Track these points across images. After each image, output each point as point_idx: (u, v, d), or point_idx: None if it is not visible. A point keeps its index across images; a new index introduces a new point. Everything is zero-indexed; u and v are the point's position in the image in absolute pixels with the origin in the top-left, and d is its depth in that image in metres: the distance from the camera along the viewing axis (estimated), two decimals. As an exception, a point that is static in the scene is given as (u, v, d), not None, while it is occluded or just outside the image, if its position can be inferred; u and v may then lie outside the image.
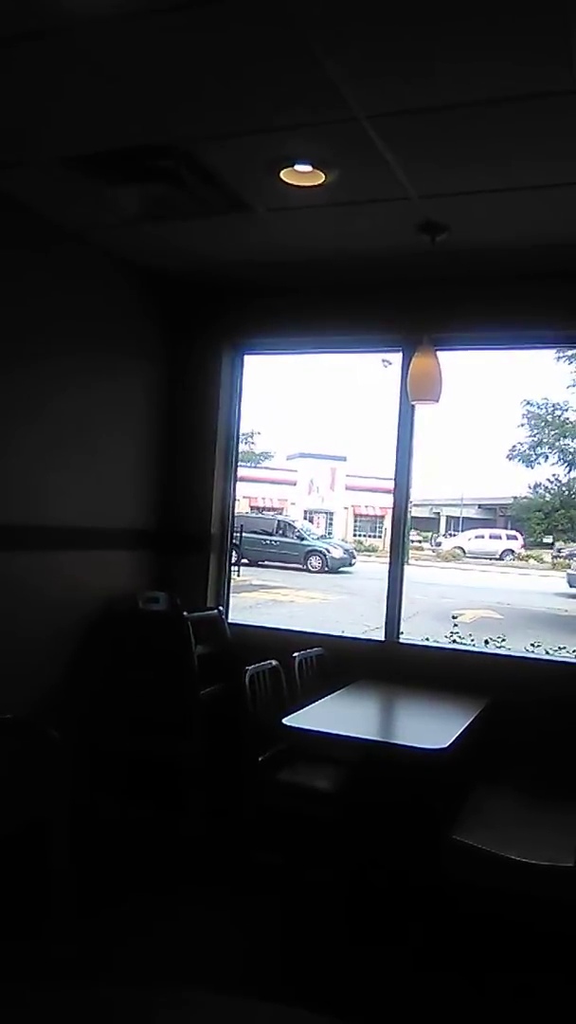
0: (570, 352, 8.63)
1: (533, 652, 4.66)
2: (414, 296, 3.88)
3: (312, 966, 2.77)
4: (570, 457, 10.00)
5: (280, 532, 11.42)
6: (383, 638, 4.11)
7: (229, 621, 4.36)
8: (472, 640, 4.95)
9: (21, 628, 3.47)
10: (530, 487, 10.61)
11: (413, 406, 3.99)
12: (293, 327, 4.27)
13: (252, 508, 11.87)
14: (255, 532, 10.80)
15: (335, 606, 9.62)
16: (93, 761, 3.79)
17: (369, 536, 12.29)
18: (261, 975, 2.72)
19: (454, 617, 5.78)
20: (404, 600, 4.13)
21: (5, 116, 2.63)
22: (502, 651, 4.67)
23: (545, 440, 9.93)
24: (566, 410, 9.79)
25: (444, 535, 12.43)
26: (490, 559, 11.65)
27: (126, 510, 4.23)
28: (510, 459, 10.00)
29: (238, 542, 5.19)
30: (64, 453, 3.73)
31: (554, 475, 10.26)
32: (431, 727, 3.21)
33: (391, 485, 4.16)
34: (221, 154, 2.81)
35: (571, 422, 9.82)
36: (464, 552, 11.89)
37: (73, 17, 2.08)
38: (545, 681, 3.67)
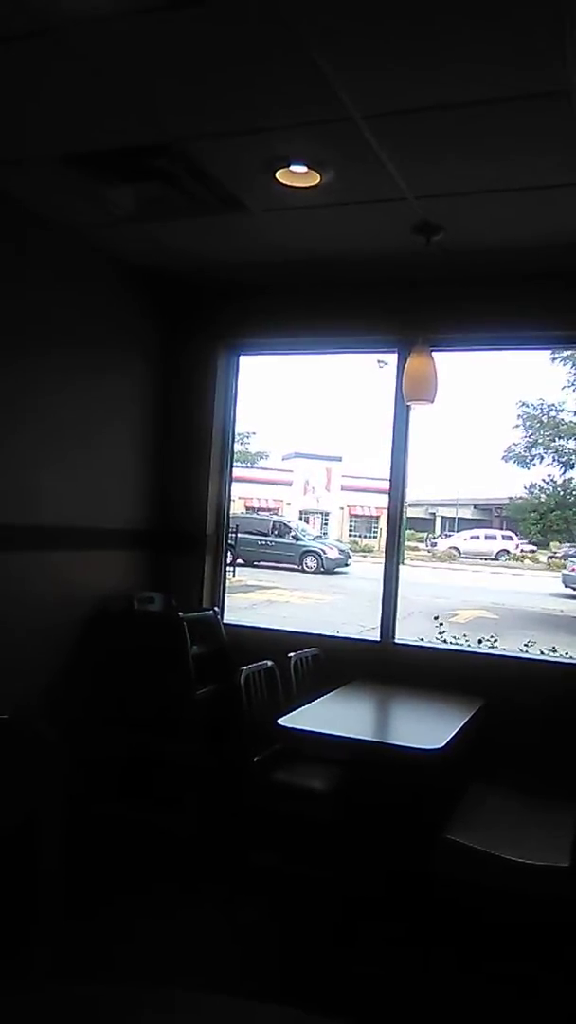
0: (565, 353, 8.63)
1: (527, 652, 4.67)
2: (409, 297, 3.88)
3: (308, 966, 2.77)
4: (565, 458, 10.01)
5: (276, 532, 11.40)
6: (378, 638, 4.11)
7: (225, 621, 4.36)
8: (467, 640, 4.96)
9: (15, 628, 3.45)
10: (525, 488, 10.62)
11: (408, 407, 4.00)
12: (289, 328, 4.27)
13: (247, 508, 11.85)
14: (250, 532, 10.77)
15: (331, 606, 9.61)
16: (89, 761, 3.78)
17: (365, 536, 12.28)
18: (258, 975, 2.72)
19: (436, 618, 5.79)
20: (399, 600, 4.13)
21: (1, 114, 2.62)
22: (497, 651, 4.67)
23: (540, 441, 9.94)
24: (561, 411, 9.80)
25: (439, 535, 12.43)
26: (485, 559, 11.66)
27: (121, 510, 4.22)
28: (505, 460, 10.00)
29: (233, 542, 5.18)
30: (59, 452, 3.73)
31: (549, 476, 10.26)
32: (426, 727, 3.22)
33: (387, 485, 4.16)
34: (216, 154, 2.81)
35: (566, 423, 9.83)
36: (459, 552, 11.89)
37: (70, 17, 2.08)
38: (540, 681, 3.68)
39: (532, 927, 2.77)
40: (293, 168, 2.83)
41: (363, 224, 3.36)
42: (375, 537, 11.86)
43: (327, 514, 12.52)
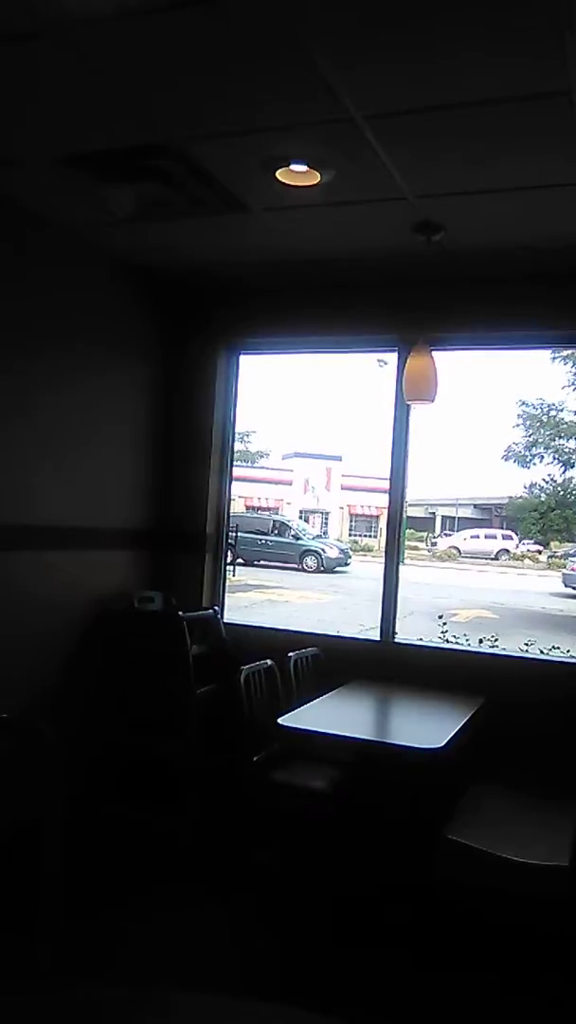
0: (565, 352, 8.63)
1: (527, 652, 4.67)
2: (410, 296, 3.88)
3: (309, 966, 2.77)
4: (565, 457, 10.01)
5: (276, 532, 11.40)
6: (378, 638, 4.11)
7: (225, 621, 4.36)
8: (467, 640, 4.96)
9: (15, 629, 3.46)
10: (525, 487, 10.62)
11: (409, 406, 4.00)
12: (289, 327, 4.27)
13: (248, 508, 11.84)
14: (251, 532, 10.77)
15: (331, 606, 9.61)
16: (89, 761, 3.79)
17: (365, 536, 12.28)
18: (258, 975, 2.72)
19: (440, 617, 5.80)
20: (399, 600, 4.13)
21: (1, 114, 2.62)
22: (497, 651, 4.67)
23: (540, 440, 9.94)
24: (561, 410, 9.81)
25: (440, 535, 12.43)
26: (485, 559, 11.66)
27: (121, 509, 4.22)
28: (505, 459, 10.00)
29: (233, 542, 5.18)
30: (59, 452, 3.73)
31: (549, 475, 10.26)
32: (426, 727, 3.22)
33: (387, 485, 4.16)
34: (216, 154, 2.81)
35: (566, 422, 9.83)
36: (459, 552, 11.89)
37: (70, 17, 2.07)
38: (540, 681, 3.68)
39: (532, 926, 2.78)
40: (293, 167, 2.82)
41: (363, 223, 3.36)
42: (375, 536, 11.86)
43: (327, 513, 12.51)
